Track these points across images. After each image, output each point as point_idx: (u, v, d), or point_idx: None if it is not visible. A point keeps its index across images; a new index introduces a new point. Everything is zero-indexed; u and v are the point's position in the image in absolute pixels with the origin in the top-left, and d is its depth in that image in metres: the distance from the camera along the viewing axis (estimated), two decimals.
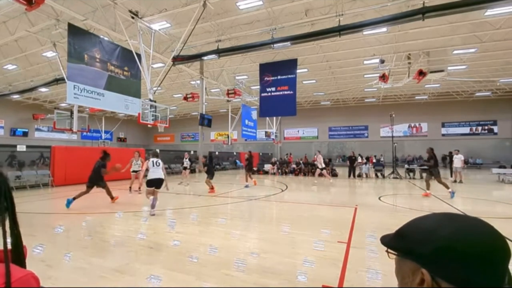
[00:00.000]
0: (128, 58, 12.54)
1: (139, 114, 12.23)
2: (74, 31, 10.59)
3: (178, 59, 13.90)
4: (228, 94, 19.67)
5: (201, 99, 18.67)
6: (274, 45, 12.35)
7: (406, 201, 8.52)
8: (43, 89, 21.98)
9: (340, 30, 10.80)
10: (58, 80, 17.56)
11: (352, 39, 14.47)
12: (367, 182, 14.37)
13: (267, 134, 26.39)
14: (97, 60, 11.36)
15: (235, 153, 30.15)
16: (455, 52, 16.35)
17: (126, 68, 12.62)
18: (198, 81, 19.53)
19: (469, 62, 17.93)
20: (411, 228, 0.59)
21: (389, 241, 0.62)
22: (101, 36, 12.01)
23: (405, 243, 0.58)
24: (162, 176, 6.60)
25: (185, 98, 19.49)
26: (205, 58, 14.38)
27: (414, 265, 0.55)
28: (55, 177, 12.05)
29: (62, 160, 12.36)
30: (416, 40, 14.86)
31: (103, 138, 28.06)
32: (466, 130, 28.05)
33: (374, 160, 19.86)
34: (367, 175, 17.01)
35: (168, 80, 19.70)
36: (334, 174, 17.81)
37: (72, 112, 17.74)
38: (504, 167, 19.87)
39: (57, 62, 14.66)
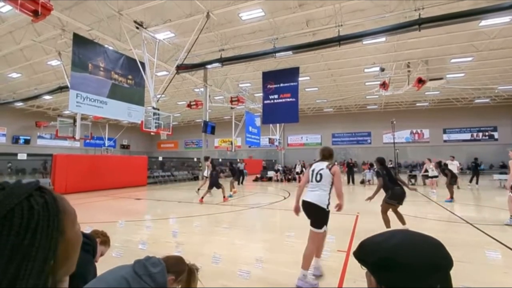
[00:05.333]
0: (132, 67, 12.81)
1: (142, 122, 12.42)
2: (79, 41, 10.85)
3: (182, 68, 14.17)
4: (231, 101, 19.90)
5: (205, 107, 18.90)
6: (276, 54, 12.58)
7: (409, 208, 8.55)
8: (47, 97, 22.31)
9: (339, 40, 11.01)
10: (62, 88, 17.84)
11: (352, 48, 14.69)
12: (370, 189, 14.37)
13: (271, 141, 26.52)
14: (101, 69, 11.60)
15: (238, 160, 30.29)
16: (453, 60, 16.51)
17: (130, 77, 12.87)
18: (202, 89, 19.80)
19: (467, 70, 18.07)
20: (368, 240, 0.66)
21: (355, 252, 0.68)
22: (106, 46, 12.30)
23: (361, 254, 0.65)
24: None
25: (189, 106, 19.74)
26: (208, 66, 14.65)
27: (369, 274, 0.63)
28: (55, 185, 11.62)
29: (63, 168, 11.99)
30: (415, 49, 15.04)
31: (106, 145, 28.32)
32: (467, 136, 28.03)
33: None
34: (370, 182, 17.01)
35: (172, 88, 20.00)
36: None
37: (75, 120, 17.99)
38: (506, 173, 19.66)
39: (62, 71, 14.97)
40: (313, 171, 3.47)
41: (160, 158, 19.61)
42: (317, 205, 3.28)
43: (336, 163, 3.78)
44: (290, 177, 19.64)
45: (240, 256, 4.28)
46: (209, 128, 18.14)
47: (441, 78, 16.56)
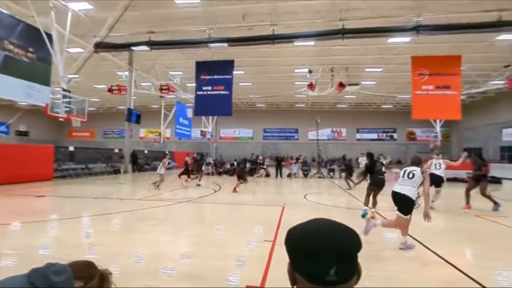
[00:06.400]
0: (35, 38, 10.55)
1: (47, 105, 10.44)
2: None
3: (102, 47, 12.44)
4: (161, 89, 18.52)
5: (129, 93, 17.11)
6: (211, 44, 12.22)
7: (328, 199, 9.54)
8: None
9: (274, 39, 11.40)
10: None
11: (285, 48, 15.39)
12: (296, 182, 15.50)
13: (203, 134, 25.89)
14: None
15: (167, 152, 28.59)
16: (367, 69, 19.09)
17: (31, 50, 10.59)
18: (127, 73, 17.84)
19: (378, 79, 21.19)
20: (292, 228, 0.71)
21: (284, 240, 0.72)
22: None
23: (284, 241, 0.69)
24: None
25: (110, 90, 17.56)
26: (135, 49, 13.25)
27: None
28: None
29: None
30: (338, 56, 16.77)
31: None
32: (375, 136, 33.09)
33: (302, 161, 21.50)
34: (296, 175, 18.35)
35: (88, 68, 17.34)
36: (266, 174, 18.63)
37: None
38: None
39: None
40: (405, 171, 4.41)
41: (71, 148, 16.90)
42: (408, 196, 4.15)
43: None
44: (221, 170, 19.59)
45: (165, 253, 4.01)
46: (134, 116, 16.55)
47: (357, 84, 18.95)
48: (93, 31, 13.14)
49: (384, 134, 33.00)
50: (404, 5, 10.87)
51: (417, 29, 10.49)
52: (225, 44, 12.40)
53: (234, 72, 14.85)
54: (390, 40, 13.50)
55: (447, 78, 12.47)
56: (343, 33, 10.66)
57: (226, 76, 14.35)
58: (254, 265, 3.61)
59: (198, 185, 12.43)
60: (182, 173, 12.94)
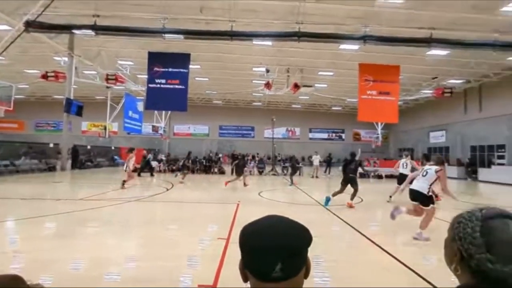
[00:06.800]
0: None
1: None
2: None
3: (35, 26, 10.87)
4: (107, 79, 16.95)
5: (69, 81, 15.36)
6: (166, 35, 11.60)
7: (281, 195, 9.84)
8: None
9: (232, 35, 11.29)
10: None
11: (243, 46, 15.36)
12: (251, 179, 15.66)
13: (155, 129, 24.48)
14: None
15: (113, 148, 26.43)
16: (320, 73, 20.17)
17: None
18: (66, 58, 15.94)
19: (329, 82, 22.54)
20: (245, 225, 0.71)
21: None
22: None
23: (239, 239, 0.69)
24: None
25: (44, 77, 15.46)
26: (77, 32, 11.90)
27: None
28: None
29: None
30: (294, 58, 17.37)
31: None
32: (325, 135, 35.24)
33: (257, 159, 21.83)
34: (251, 172, 18.54)
35: (17, 50, 15.04)
36: (221, 172, 18.49)
37: None
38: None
39: None
40: (423, 169, 5.03)
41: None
42: (419, 191, 4.74)
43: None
44: (174, 167, 18.81)
45: (109, 258, 3.69)
46: (74, 107, 14.92)
47: (311, 86, 19.90)
48: (24, 8, 11.39)
49: (334, 134, 35.39)
50: (354, 15, 11.72)
51: (364, 38, 11.42)
52: (181, 36, 11.89)
53: (190, 66, 14.34)
54: (341, 46, 14.43)
55: (388, 85, 13.84)
56: (299, 36, 11.06)
57: (182, 70, 13.77)
58: (207, 264, 3.54)
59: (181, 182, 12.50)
60: (142, 170, 12.23)
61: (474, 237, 0.69)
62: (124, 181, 10.11)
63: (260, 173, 18.51)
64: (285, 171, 19.34)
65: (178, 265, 3.49)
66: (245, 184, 11.52)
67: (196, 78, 22.09)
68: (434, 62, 17.18)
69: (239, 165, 12.17)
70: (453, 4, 10.76)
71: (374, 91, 13.72)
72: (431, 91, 19.32)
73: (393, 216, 4.96)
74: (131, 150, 11.11)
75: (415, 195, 4.84)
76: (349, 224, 5.70)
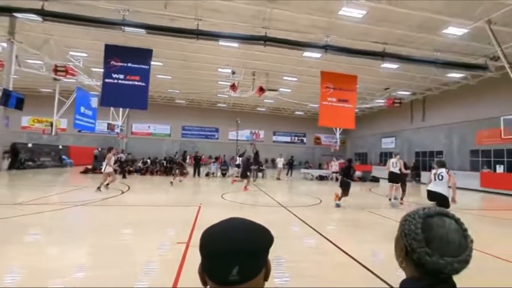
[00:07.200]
0: None
1: None
2: None
3: None
4: (56, 71, 15.40)
5: (7, 70, 13.62)
6: (126, 28, 10.93)
7: (244, 197, 9.83)
8: None
9: (198, 34, 11.05)
10: None
11: (209, 46, 15.13)
12: (214, 181, 15.43)
13: (110, 127, 22.87)
14: None
15: (61, 147, 24.03)
16: (285, 77, 20.72)
17: None
18: (5, 44, 14.13)
19: (293, 87, 23.26)
20: (206, 229, 0.70)
21: None
22: None
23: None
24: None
25: None
26: (18, 15, 10.58)
27: None
28: None
29: None
30: (260, 61, 17.60)
31: None
32: (288, 139, 36.24)
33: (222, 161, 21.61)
34: (214, 174, 18.28)
35: None
36: (183, 174, 17.89)
37: None
38: (310, 167, 27.13)
39: None
40: (435, 174, 5.70)
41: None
42: (443, 194, 5.52)
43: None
44: (132, 169, 17.74)
45: (53, 269, 3.30)
46: (13, 100, 13.29)
47: (276, 90, 20.31)
48: None
49: (296, 138, 36.58)
50: (318, 25, 12.27)
51: (326, 48, 12.01)
52: (143, 31, 11.30)
53: (152, 63, 13.69)
54: (305, 54, 15.00)
55: (346, 93, 14.71)
56: (265, 40, 11.23)
57: (143, 66, 13.06)
58: (166, 269, 3.38)
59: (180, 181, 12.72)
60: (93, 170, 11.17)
61: (416, 233, 0.76)
62: (107, 184, 9.67)
63: (223, 175, 18.33)
64: (248, 173, 19.39)
65: (133, 273, 3.26)
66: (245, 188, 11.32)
67: (158, 76, 21.19)
68: (386, 74, 18.76)
69: (247, 166, 12.19)
70: (403, 22, 11.87)
71: (334, 98, 14.47)
72: (383, 101, 21.03)
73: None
74: (109, 149, 10.27)
75: (437, 197, 5.51)
76: (308, 224, 5.90)
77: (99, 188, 9.40)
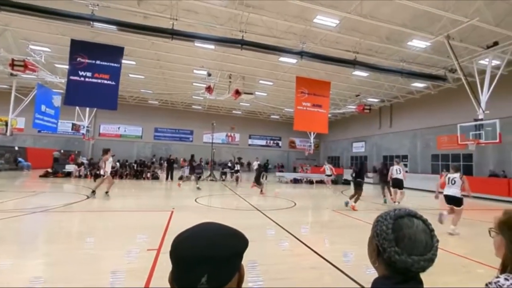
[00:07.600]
0: None
1: None
2: None
3: None
4: (13, 65, 14.15)
5: None
6: (95, 23, 10.35)
7: (219, 201, 9.66)
8: None
9: (173, 34, 10.76)
10: None
11: (184, 46, 14.84)
12: (187, 185, 15.03)
13: (75, 128, 21.48)
14: None
15: (17, 148, 22.08)
16: (261, 81, 20.89)
17: None
18: None
19: (269, 91, 23.51)
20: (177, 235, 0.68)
21: None
22: None
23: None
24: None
25: None
26: None
27: None
28: None
29: None
30: (236, 64, 17.58)
31: None
32: (264, 142, 36.46)
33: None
34: (188, 178, 17.79)
35: None
36: (155, 177, 17.27)
37: None
38: (282, 171, 27.45)
39: None
40: (449, 178, 6.21)
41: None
42: (455, 196, 6.05)
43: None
44: (98, 172, 16.69)
45: (3, 283, 2.96)
46: None
47: (252, 93, 20.36)
48: None
49: (272, 141, 36.91)
50: (294, 31, 12.54)
51: (301, 54, 12.28)
52: (114, 27, 10.77)
53: (124, 61, 13.11)
54: (281, 59, 15.24)
55: (320, 99, 15.14)
56: (242, 43, 11.22)
57: (113, 64, 12.43)
58: (134, 278, 3.18)
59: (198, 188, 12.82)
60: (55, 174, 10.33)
61: (387, 233, 0.80)
62: (106, 192, 9.24)
63: (198, 178, 17.92)
64: (223, 177, 19.20)
65: (97, 283, 3.03)
66: (261, 192, 11.92)
67: (130, 75, 20.38)
68: (357, 81, 19.64)
69: (259, 173, 12.74)
70: (373, 33, 12.54)
71: (308, 103, 14.82)
72: (354, 107, 21.94)
73: (441, 221, 5.83)
74: (106, 151, 9.55)
75: (452, 199, 6.10)
76: (282, 227, 5.92)
77: (106, 193, 9.14)
